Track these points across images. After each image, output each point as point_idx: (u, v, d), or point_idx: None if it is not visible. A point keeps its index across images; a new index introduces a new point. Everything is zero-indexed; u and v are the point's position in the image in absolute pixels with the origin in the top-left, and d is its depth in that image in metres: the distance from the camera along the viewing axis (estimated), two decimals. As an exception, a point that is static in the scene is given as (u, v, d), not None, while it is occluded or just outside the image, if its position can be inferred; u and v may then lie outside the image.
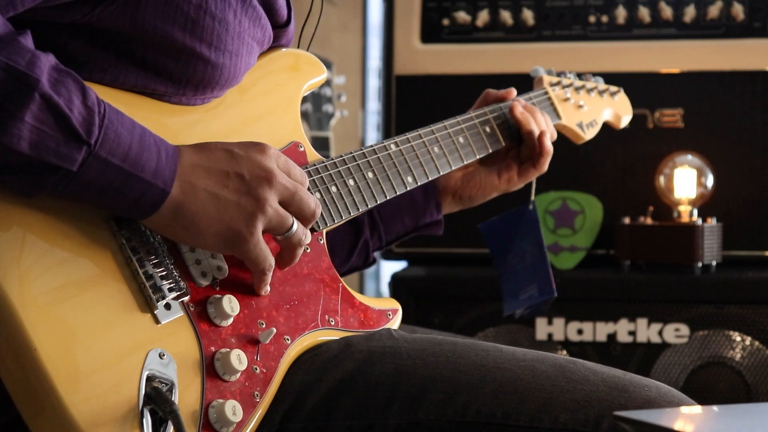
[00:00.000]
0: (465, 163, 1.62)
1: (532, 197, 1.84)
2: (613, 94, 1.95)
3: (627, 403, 1.28)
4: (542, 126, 1.71)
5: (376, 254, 1.79)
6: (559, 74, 1.85)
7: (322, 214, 1.38)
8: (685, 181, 2.52)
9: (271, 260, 1.25)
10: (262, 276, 1.26)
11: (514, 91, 1.74)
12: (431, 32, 2.66)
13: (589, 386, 1.30)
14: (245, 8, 1.31)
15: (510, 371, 1.31)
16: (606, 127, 1.97)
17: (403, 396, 1.29)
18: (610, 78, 2.03)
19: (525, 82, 1.87)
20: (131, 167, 1.13)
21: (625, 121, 1.97)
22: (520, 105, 1.70)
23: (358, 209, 1.42)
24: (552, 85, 1.81)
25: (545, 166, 1.73)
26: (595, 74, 1.98)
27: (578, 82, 1.87)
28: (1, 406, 1.14)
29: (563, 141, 1.89)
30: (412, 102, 2.63)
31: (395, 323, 1.44)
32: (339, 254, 1.68)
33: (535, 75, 1.83)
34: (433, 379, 1.30)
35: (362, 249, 1.71)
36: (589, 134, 1.87)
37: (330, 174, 1.41)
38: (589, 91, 1.88)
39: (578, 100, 1.84)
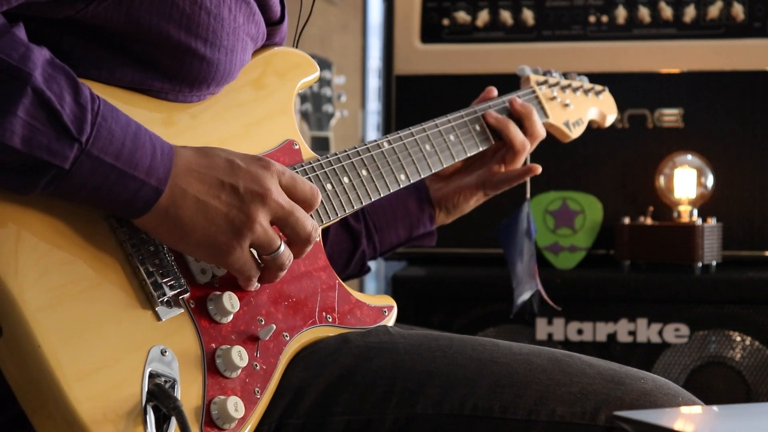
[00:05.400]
0: (456, 160, 1.62)
1: (528, 195, 1.84)
2: (598, 93, 1.95)
3: (623, 396, 1.29)
4: (531, 127, 1.71)
5: (371, 262, 1.80)
6: (545, 73, 1.86)
7: (318, 211, 1.38)
8: (685, 181, 2.52)
9: (256, 271, 1.25)
10: (247, 282, 1.26)
11: (493, 91, 1.75)
12: (431, 32, 2.66)
13: (585, 379, 1.31)
14: (239, 4, 1.31)
15: (507, 365, 1.32)
16: (604, 128, 1.97)
17: (400, 390, 1.30)
18: (611, 78, 2.03)
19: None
20: (124, 165, 1.12)
21: (610, 119, 1.98)
22: (493, 113, 1.69)
23: (353, 206, 1.43)
24: (539, 84, 1.82)
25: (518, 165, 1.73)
26: (594, 74, 1.99)
27: (564, 81, 1.87)
28: (1, 404, 1.15)
29: (560, 142, 1.89)
30: (412, 102, 2.63)
31: (391, 320, 1.45)
32: (337, 263, 1.69)
33: (522, 74, 1.84)
34: (430, 374, 1.30)
35: (359, 258, 1.73)
36: (575, 133, 1.88)
37: (325, 172, 1.42)
38: (575, 90, 1.89)
39: (564, 99, 1.85)
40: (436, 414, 1.29)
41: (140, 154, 1.14)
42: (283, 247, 1.24)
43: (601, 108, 1.95)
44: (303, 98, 2.73)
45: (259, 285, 1.28)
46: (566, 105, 1.85)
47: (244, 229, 1.19)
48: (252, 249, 1.23)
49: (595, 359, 1.36)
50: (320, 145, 2.69)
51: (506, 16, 2.63)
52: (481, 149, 1.68)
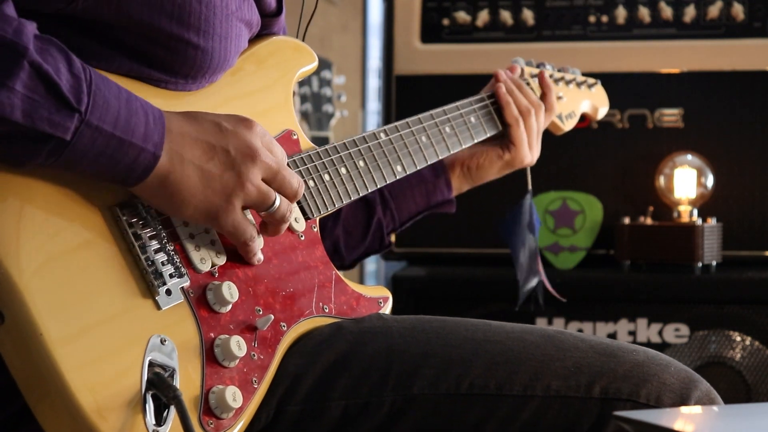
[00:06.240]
0: (452, 152, 1.64)
1: (529, 186, 1.84)
2: (590, 86, 1.95)
3: (617, 367, 1.30)
4: (522, 104, 1.74)
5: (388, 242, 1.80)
6: (538, 65, 1.86)
7: (315, 201, 1.40)
8: (685, 181, 2.52)
9: (252, 232, 1.26)
10: (244, 247, 1.27)
11: (501, 74, 1.77)
12: (431, 32, 2.66)
13: (578, 353, 1.32)
14: None
15: (500, 343, 1.33)
16: (604, 126, 1.97)
17: (396, 373, 1.31)
18: (611, 78, 2.03)
19: (525, 82, 1.87)
20: (122, 132, 1.13)
21: (602, 112, 1.98)
22: (503, 86, 1.73)
23: (350, 197, 1.45)
24: (532, 76, 1.83)
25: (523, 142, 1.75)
26: (594, 74, 1.99)
27: (557, 74, 1.88)
28: (5, 397, 1.15)
29: (560, 141, 1.89)
30: (412, 102, 2.63)
31: (386, 311, 1.46)
32: (354, 234, 1.70)
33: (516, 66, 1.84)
34: (425, 355, 1.32)
35: (377, 229, 1.73)
36: (568, 125, 1.88)
37: (323, 162, 1.43)
38: (568, 82, 1.89)
39: (557, 92, 1.85)
40: (434, 394, 1.30)
41: (135, 121, 1.15)
42: (278, 199, 1.25)
43: (593, 101, 1.95)
44: (303, 98, 2.73)
45: (262, 258, 1.29)
46: (559, 97, 1.85)
47: (237, 189, 1.21)
48: (247, 210, 1.25)
49: (586, 335, 1.38)
50: (320, 145, 2.69)
51: (506, 16, 2.64)
52: (476, 141, 1.69)
